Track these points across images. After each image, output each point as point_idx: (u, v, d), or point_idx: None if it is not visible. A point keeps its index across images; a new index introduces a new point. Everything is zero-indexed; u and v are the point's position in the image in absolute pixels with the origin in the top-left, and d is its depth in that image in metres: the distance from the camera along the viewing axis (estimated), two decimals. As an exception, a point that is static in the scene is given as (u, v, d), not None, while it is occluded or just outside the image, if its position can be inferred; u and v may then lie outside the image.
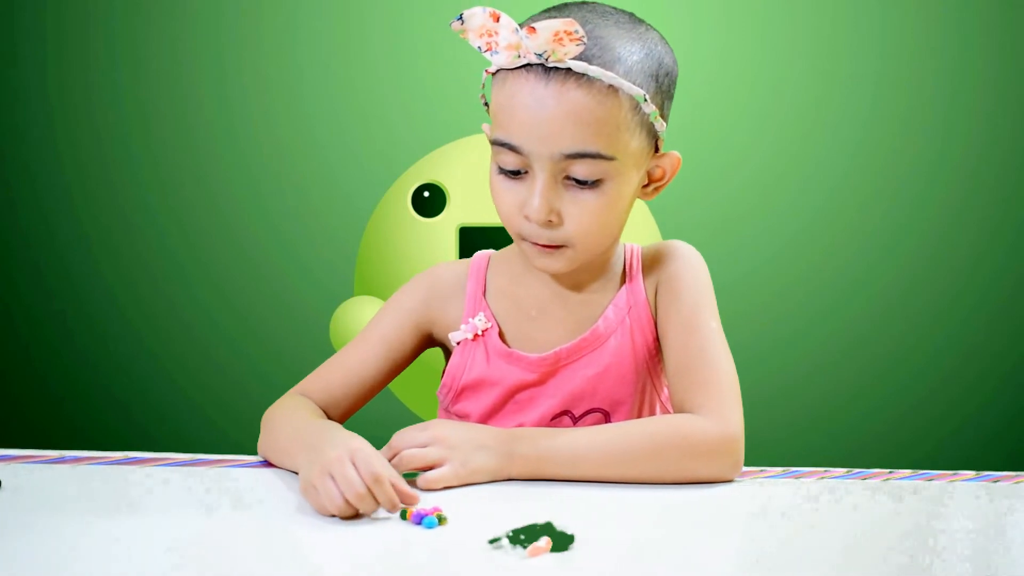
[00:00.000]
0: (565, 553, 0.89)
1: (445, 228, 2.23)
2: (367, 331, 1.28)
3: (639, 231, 2.19)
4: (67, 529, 0.93)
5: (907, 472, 1.17)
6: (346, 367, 1.26)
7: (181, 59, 2.78)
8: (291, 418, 1.18)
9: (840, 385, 2.84)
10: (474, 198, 2.20)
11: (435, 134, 2.52)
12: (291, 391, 1.26)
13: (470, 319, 1.25)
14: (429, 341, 1.29)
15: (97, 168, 2.80)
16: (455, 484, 1.07)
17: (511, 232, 1.18)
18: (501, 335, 1.24)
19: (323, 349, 1.94)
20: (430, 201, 2.27)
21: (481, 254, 1.30)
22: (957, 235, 2.82)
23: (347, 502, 0.97)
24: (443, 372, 1.29)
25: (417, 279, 1.30)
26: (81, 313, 2.82)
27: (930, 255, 2.83)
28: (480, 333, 1.24)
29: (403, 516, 0.97)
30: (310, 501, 1.00)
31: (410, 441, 1.10)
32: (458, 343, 1.25)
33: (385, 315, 1.28)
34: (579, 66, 1.09)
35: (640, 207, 2.27)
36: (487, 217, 2.15)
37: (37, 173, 2.80)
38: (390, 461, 1.08)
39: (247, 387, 2.79)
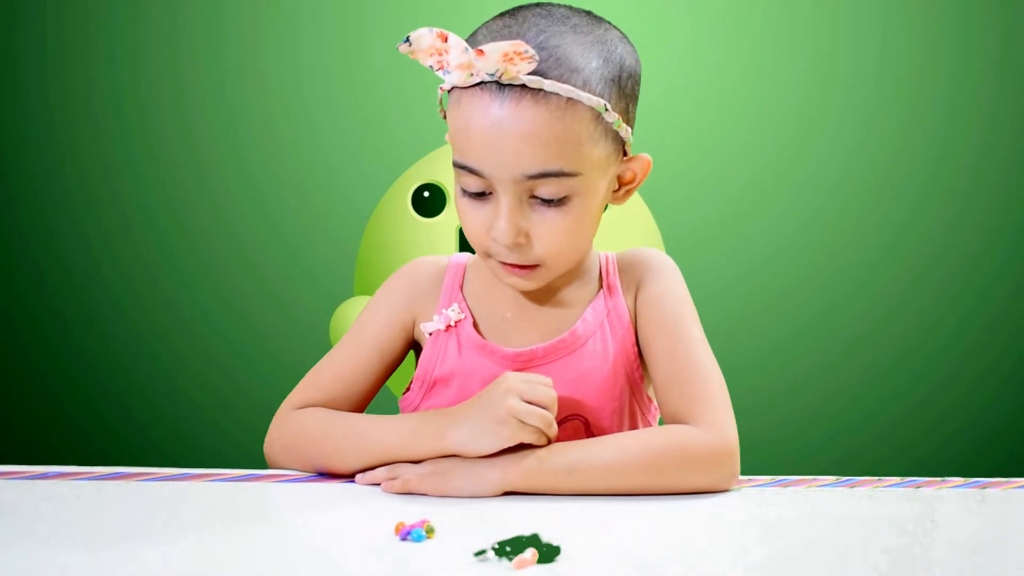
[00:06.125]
0: (551, 565, 0.88)
1: (445, 228, 2.22)
2: (356, 337, 1.25)
3: (639, 232, 2.18)
4: (50, 553, 0.93)
5: (895, 480, 1.17)
6: (344, 376, 1.23)
7: (181, 59, 2.78)
8: (352, 419, 1.18)
9: (832, 389, 2.82)
10: (473, 199, 2.20)
11: (435, 134, 2.49)
12: (291, 407, 1.22)
13: (444, 310, 1.22)
14: (413, 339, 1.27)
15: (97, 168, 2.80)
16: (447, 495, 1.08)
17: (478, 251, 1.16)
18: (477, 328, 1.22)
19: (323, 349, 1.92)
20: (430, 201, 2.26)
21: (460, 255, 1.28)
22: (956, 236, 2.81)
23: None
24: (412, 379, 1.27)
25: (397, 278, 1.27)
26: (81, 313, 2.82)
27: (928, 258, 2.81)
28: (453, 324, 1.22)
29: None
30: (504, 434, 1.07)
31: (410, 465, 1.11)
32: (430, 334, 1.22)
33: (373, 319, 1.25)
34: (534, 81, 1.05)
35: (641, 208, 2.26)
36: (485, 218, 2.15)
37: (37, 173, 2.80)
38: (390, 481, 1.10)
39: (247, 387, 2.80)
